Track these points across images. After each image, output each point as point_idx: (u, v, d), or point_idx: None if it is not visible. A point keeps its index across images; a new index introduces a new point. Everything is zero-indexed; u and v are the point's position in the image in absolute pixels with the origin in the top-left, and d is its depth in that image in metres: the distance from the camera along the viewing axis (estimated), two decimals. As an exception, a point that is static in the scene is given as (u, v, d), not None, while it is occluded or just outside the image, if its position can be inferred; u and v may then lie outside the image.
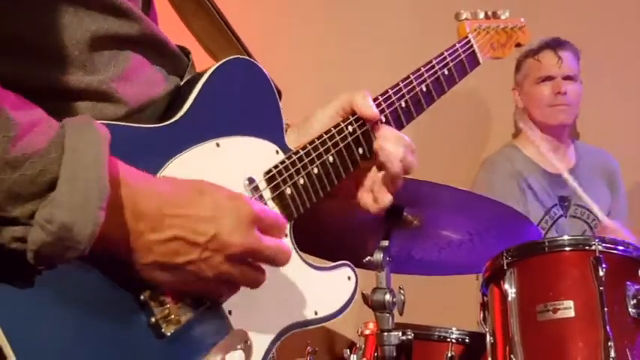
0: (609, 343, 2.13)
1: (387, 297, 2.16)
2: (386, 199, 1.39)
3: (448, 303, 3.45)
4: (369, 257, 2.18)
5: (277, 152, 1.28)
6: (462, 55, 1.59)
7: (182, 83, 1.24)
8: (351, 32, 3.84)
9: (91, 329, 1.01)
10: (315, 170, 1.29)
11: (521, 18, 1.82)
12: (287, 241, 1.26)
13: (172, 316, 1.08)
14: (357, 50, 3.82)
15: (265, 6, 3.77)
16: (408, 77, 1.47)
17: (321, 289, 1.30)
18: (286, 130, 1.39)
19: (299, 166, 1.27)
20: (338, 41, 3.83)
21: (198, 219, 1.04)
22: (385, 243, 2.20)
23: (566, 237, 2.56)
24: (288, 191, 1.25)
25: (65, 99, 1.07)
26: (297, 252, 1.28)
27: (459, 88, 3.90)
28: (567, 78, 3.31)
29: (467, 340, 2.57)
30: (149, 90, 1.17)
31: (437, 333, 2.58)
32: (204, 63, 1.30)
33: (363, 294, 2.18)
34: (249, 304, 1.18)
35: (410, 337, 2.48)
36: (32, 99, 0.98)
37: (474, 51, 1.63)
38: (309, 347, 2.60)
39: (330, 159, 1.31)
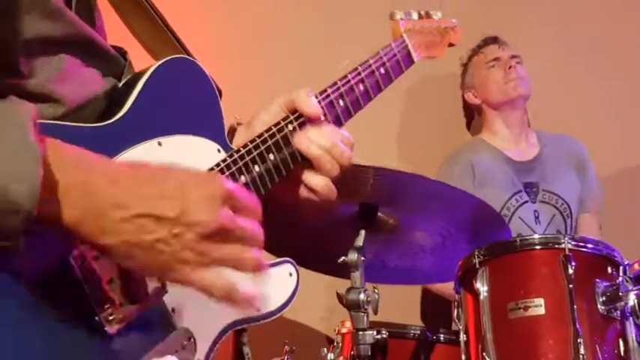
0: (579, 340, 2.15)
1: (362, 296, 2.17)
2: (321, 181, 1.35)
3: (422, 301, 3.45)
4: (343, 257, 2.20)
5: (219, 151, 1.28)
6: (398, 55, 1.61)
7: (121, 84, 1.24)
8: (333, 34, 3.86)
9: (32, 327, 0.99)
10: (257, 168, 1.27)
11: (452, 19, 1.84)
12: None
13: (116, 315, 1.06)
14: (338, 52, 3.76)
15: (250, 9, 3.79)
16: (346, 76, 1.47)
17: (264, 285, 1.26)
18: (236, 129, 1.40)
19: (240, 164, 1.26)
20: (320, 42, 3.84)
21: (164, 195, 1.00)
22: (359, 243, 2.22)
23: (536, 235, 2.60)
24: None
25: None
26: None
27: (440, 82, 3.89)
28: (513, 57, 3.42)
29: (441, 338, 2.58)
30: (86, 89, 1.17)
31: (412, 331, 2.59)
32: (145, 63, 1.30)
33: (337, 293, 2.20)
34: (192, 302, 1.16)
35: (385, 335, 2.48)
36: None
37: (408, 50, 1.65)
38: (286, 346, 2.59)
39: (271, 157, 1.30)
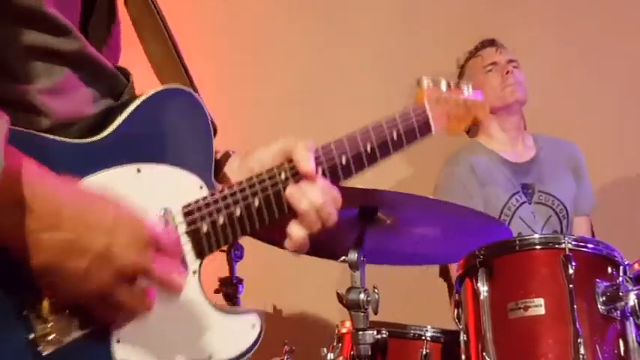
0: (579, 340, 2.15)
1: (362, 296, 2.17)
2: (299, 232, 1.32)
3: (422, 301, 3.46)
4: (343, 257, 2.20)
5: (201, 187, 1.24)
6: (415, 122, 1.56)
7: (117, 104, 1.22)
8: (332, 42, 3.88)
9: None
10: (238, 212, 1.24)
11: (481, 94, 1.78)
12: (194, 280, 1.21)
13: (53, 336, 1.03)
14: (337, 60, 3.86)
15: (251, 10, 3.82)
16: (354, 134, 1.43)
17: (222, 333, 1.23)
18: (229, 156, 1.38)
19: (221, 204, 1.23)
20: (319, 51, 3.87)
21: (95, 226, 1.02)
22: (359, 243, 2.22)
23: (536, 235, 2.61)
24: (205, 229, 1.20)
25: None
26: (202, 292, 1.22)
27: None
28: (510, 62, 3.42)
29: (441, 338, 2.58)
30: (78, 108, 1.16)
31: (412, 331, 2.58)
32: (151, 84, 1.29)
33: (337, 293, 2.20)
34: (140, 336, 1.12)
35: (385, 335, 2.49)
36: None
37: (427, 119, 1.60)
38: (286, 346, 2.60)
39: (256, 203, 1.26)
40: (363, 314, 2.19)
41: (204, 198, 1.22)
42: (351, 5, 3.92)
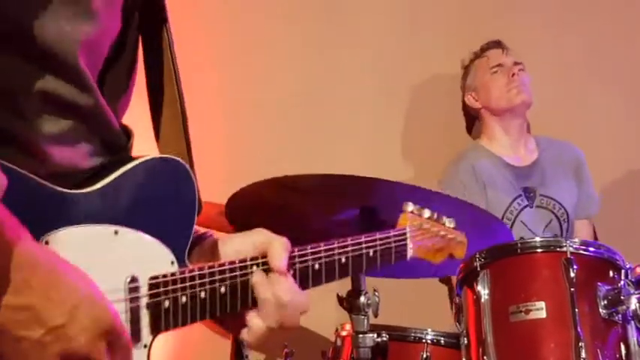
0: (580, 344, 2.15)
1: (362, 299, 2.19)
2: (259, 324, 1.30)
3: (423, 304, 3.48)
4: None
5: (172, 263, 1.23)
6: (393, 245, 1.59)
7: (111, 161, 1.23)
8: (333, 44, 3.89)
9: None
10: (202, 294, 1.23)
11: (463, 233, 1.82)
12: (143, 353, 1.18)
13: None
14: (337, 61, 3.88)
15: (250, 11, 3.82)
16: (332, 244, 1.44)
17: None
18: (208, 237, 1.38)
19: (187, 284, 1.21)
20: (318, 52, 3.87)
21: (59, 301, 0.99)
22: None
23: (537, 239, 2.58)
24: (166, 304, 1.19)
25: None
26: None
27: (439, 87, 3.94)
28: (516, 64, 3.44)
29: (442, 341, 2.58)
30: (75, 160, 1.17)
31: (412, 334, 2.58)
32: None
33: (338, 296, 2.24)
34: None
35: (385, 338, 2.49)
36: None
37: (405, 245, 1.63)
38: (286, 349, 2.62)
39: (222, 290, 1.25)
40: (363, 317, 2.21)
41: (173, 274, 1.21)
42: (352, 7, 3.94)
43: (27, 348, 0.98)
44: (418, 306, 3.46)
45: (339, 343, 2.67)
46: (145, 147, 1.29)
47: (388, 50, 3.89)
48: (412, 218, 1.68)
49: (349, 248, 1.47)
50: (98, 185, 1.15)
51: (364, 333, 2.22)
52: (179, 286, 1.20)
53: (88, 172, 1.18)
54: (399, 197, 2.20)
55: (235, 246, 1.35)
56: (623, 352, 2.22)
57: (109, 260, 1.13)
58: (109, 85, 1.24)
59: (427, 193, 2.34)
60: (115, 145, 1.25)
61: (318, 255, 1.40)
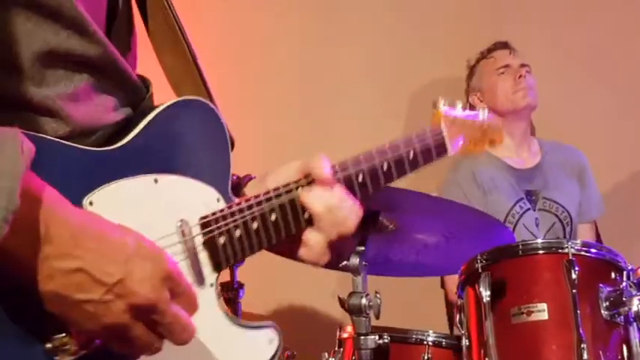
0: (582, 346, 2.16)
1: (364, 301, 2.14)
2: (317, 238, 1.31)
3: (424, 307, 3.48)
4: (345, 262, 2.20)
5: (218, 200, 1.24)
6: (431, 143, 1.57)
7: (136, 113, 1.21)
8: (330, 44, 3.90)
9: None
10: (255, 225, 1.24)
11: (498, 119, 1.82)
12: (211, 293, 1.21)
13: (70, 346, 1.01)
14: (334, 62, 3.88)
15: (250, 10, 3.83)
16: (370, 152, 1.43)
17: (239, 347, 1.23)
18: (246, 184, 1.38)
19: (238, 217, 1.23)
20: (318, 52, 3.88)
21: (110, 258, 0.99)
22: (361, 248, 2.22)
23: (539, 240, 2.63)
24: (222, 240, 1.21)
25: (4, 107, 1.05)
26: (219, 305, 1.22)
27: (437, 91, 3.91)
28: (523, 66, 3.44)
29: (443, 343, 2.59)
30: (96, 116, 1.15)
31: (414, 336, 2.59)
32: (168, 97, 1.28)
33: (339, 298, 2.19)
34: (157, 355, 1.09)
35: (386, 340, 2.50)
36: None
37: (443, 141, 1.61)
38: (287, 351, 2.62)
39: (272, 217, 1.26)
40: (364, 319, 2.17)
41: (222, 210, 1.22)
42: (349, 7, 3.96)
43: (92, 310, 0.98)
44: (419, 308, 3.47)
45: (340, 345, 2.67)
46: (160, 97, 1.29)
47: (387, 55, 3.90)
48: (445, 114, 1.66)
49: (389, 154, 1.45)
50: (128, 138, 1.15)
51: (366, 335, 2.18)
52: (230, 220, 1.21)
53: (115, 127, 1.17)
54: (400, 202, 2.26)
55: (276, 176, 1.34)
56: (626, 353, 2.26)
57: (156, 208, 1.14)
58: (114, 39, 1.21)
59: (428, 198, 2.35)
60: (136, 95, 1.24)
61: (359, 166, 1.39)
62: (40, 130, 1.05)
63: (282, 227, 1.28)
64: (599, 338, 2.22)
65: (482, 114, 1.77)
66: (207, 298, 1.18)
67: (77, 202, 1.05)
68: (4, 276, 0.95)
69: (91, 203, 1.07)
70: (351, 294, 2.17)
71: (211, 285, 1.20)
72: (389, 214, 2.31)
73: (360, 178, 1.39)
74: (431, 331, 2.60)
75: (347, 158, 1.40)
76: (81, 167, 1.07)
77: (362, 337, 2.18)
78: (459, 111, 1.70)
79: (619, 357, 2.23)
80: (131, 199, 1.11)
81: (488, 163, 3.40)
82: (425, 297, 3.44)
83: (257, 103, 3.77)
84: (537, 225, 3.28)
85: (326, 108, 3.85)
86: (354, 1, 3.97)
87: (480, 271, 2.36)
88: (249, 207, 1.24)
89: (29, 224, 0.94)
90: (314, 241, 1.30)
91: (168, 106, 1.20)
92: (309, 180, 1.32)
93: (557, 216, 3.33)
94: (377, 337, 2.28)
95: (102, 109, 1.16)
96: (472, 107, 3.58)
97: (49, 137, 1.05)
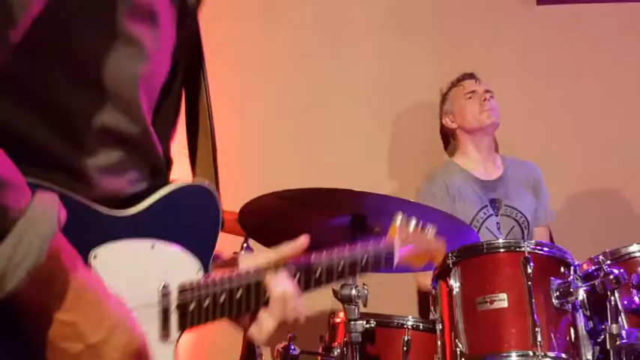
0: (537, 329, 2.28)
1: (353, 292, 2.31)
2: (268, 324, 1.37)
3: (405, 296, 3.61)
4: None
5: (199, 271, 1.31)
6: (382, 254, 1.66)
7: (150, 185, 1.28)
8: (328, 58, 3.98)
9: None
10: (222, 298, 1.31)
11: (442, 240, 1.88)
12: (172, 347, 1.26)
13: None
14: (331, 80, 3.97)
15: (248, 20, 3.88)
16: (332, 252, 1.51)
17: None
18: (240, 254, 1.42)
19: (210, 289, 1.30)
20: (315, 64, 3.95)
21: (99, 322, 1.05)
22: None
23: (500, 240, 2.74)
24: (192, 307, 1.27)
25: (47, 164, 1.11)
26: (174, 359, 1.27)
27: (421, 113, 3.95)
28: (487, 91, 3.66)
29: (421, 327, 2.70)
30: (122, 187, 1.21)
31: (396, 321, 2.69)
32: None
33: (333, 289, 2.33)
34: None
35: (373, 324, 2.61)
36: (12, 149, 1.00)
37: (392, 255, 1.69)
38: (290, 333, 2.70)
39: (238, 295, 1.34)
40: (354, 307, 2.32)
41: (198, 282, 1.30)
42: (346, 27, 4.02)
43: (68, 359, 1.04)
44: (401, 297, 3.58)
45: (333, 328, 2.78)
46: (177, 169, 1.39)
47: (378, 81, 4.00)
48: (400, 229, 1.76)
49: (346, 256, 1.54)
50: (140, 207, 1.23)
51: (355, 320, 2.32)
52: (203, 291, 1.30)
53: (131, 196, 1.24)
54: (385, 207, 2.40)
55: (255, 259, 1.44)
56: (573, 335, 2.37)
57: (147, 269, 1.23)
58: (161, 118, 1.30)
59: (408, 203, 2.49)
60: (158, 170, 1.30)
61: (319, 262, 1.48)
62: (72, 191, 1.12)
63: (243, 305, 1.35)
64: (550, 323, 2.32)
65: (431, 232, 1.84)
66: (168, 352, 1.25)
67: (86, 252, 1.14)
68: (11, 309, 1.01)
69: (95, 257, 1.16)
70: (342, 286, 2.33)
71: (173, 341, 1.26)
72: (374, 219, 2.50)
73: (318, 274, 1.46)
74: (410, 317, 2.70)
75: (311, 254, 1.46)
76: (96, 225, 1.16)
77: (352, 322, 2.33)
78: (412, 227, 1.79)
79: (567, 339, 2.34)
80: (129, 258, 1.20)
81: (458, 175, 3.58)
82: (405, 288, 3.55)
83: (257, 117, 3.81)
84: (499, 228, 3.44)
85: (326, 131, 3.93)
86: (349, 21, 4.02)
87: (450, 266, 2.48)
88: (222, 282, 1.32)
89: (45, 277, 1.00)
90: (265, 322, 1.37)
91: (180, 187, 1.29)
92: (279, 266, 1.40)
93: (516, 220, 3.50)
94: (365, 322, 2.42)
95: (127, 182, 1.22)
96: (445, 128, 3.81)
97: (78, 198, 1.13)
